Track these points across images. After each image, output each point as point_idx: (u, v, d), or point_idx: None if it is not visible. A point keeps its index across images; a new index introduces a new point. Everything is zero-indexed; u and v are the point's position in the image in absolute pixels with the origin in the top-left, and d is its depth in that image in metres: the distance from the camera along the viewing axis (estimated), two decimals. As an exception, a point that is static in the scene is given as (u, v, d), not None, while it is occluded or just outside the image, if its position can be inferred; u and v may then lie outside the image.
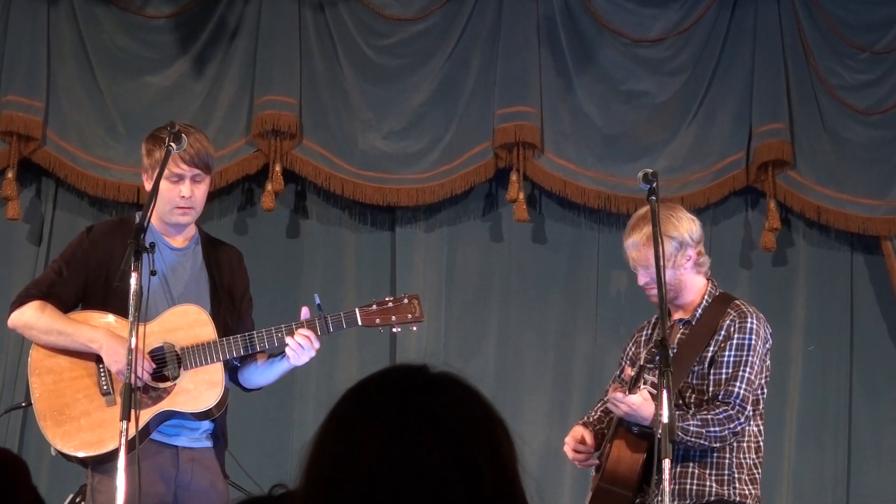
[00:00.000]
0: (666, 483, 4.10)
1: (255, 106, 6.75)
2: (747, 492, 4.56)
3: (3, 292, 6.68)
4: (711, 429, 4.46)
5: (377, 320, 4.39)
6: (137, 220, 4.53)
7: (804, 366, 6.75)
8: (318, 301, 4.36)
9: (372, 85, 6.85)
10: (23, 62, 6.70)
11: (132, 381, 4.02)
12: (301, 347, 4.32)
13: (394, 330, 4.45)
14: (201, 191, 4.51)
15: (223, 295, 4.53)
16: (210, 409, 4.39)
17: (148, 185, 4.47)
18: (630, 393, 4.49)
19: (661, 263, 4.32)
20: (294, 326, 4.35)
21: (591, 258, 6.84)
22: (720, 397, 4.51)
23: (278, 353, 4.46)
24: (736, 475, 4.55)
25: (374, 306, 4.40)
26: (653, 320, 4.78)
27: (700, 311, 4.63)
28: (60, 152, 6.71)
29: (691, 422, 4.45)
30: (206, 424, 4.49)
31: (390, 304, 4.42)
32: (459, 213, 6.92)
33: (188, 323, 4.40)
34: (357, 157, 6.80)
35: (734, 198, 6.88)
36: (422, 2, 6.89)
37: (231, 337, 4.38)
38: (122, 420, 3.99)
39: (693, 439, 4.46)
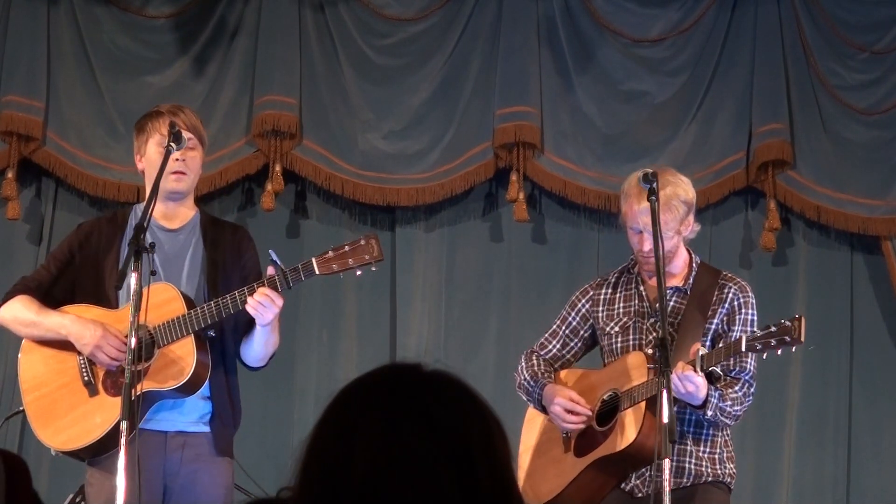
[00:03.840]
0: (666, 483, 4.10)
1: (255, 106, 6.75)
2: (733, 471, 4.59)
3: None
4: (736, 408, 4.45)
5: (334, 266, 4.22)
6: (130, 215, 4.55)
7: (804, 366, 6.74)
8: (273, 257, 4.25)
9: (372, 85, 6.85)
10: (23, 62, 6.70)
11: (130, 377, 4.02)
12: (262, 305, 4.22)
13: (357, 273, 4.26)
14: (193, 158, 4.52)
15: (219, 272, 4.47)
16: (184, 383, 4.29)
17: (140, 166, 4.54)
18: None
19: (661, 264, 4.31)
20: (255, 286, 4.25)
21: (591, 258, 6.83)
22: (733, 373, 4.48)
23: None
24: (724, 454, 4.56)
25: (331, 252, 4.24)
26: (612, 279, 4.72)
27: (692, 279, 4.60)
28: (60, 152, 6.71)
29: (727, 402, 4.42)
30: (203, 407, 4.42)
31: (346, 249, 4.23)
32: (459, 213, 6.91)
33: (158, 302, 4.30)
34: (357, 157, 6.80)
35: (734, 198, 6.87)
36: (422, 2, 6.89)
37: (198, 308, 4.30)
38: (122, 420, 4.00)
39: (724, 419, 4.44)
